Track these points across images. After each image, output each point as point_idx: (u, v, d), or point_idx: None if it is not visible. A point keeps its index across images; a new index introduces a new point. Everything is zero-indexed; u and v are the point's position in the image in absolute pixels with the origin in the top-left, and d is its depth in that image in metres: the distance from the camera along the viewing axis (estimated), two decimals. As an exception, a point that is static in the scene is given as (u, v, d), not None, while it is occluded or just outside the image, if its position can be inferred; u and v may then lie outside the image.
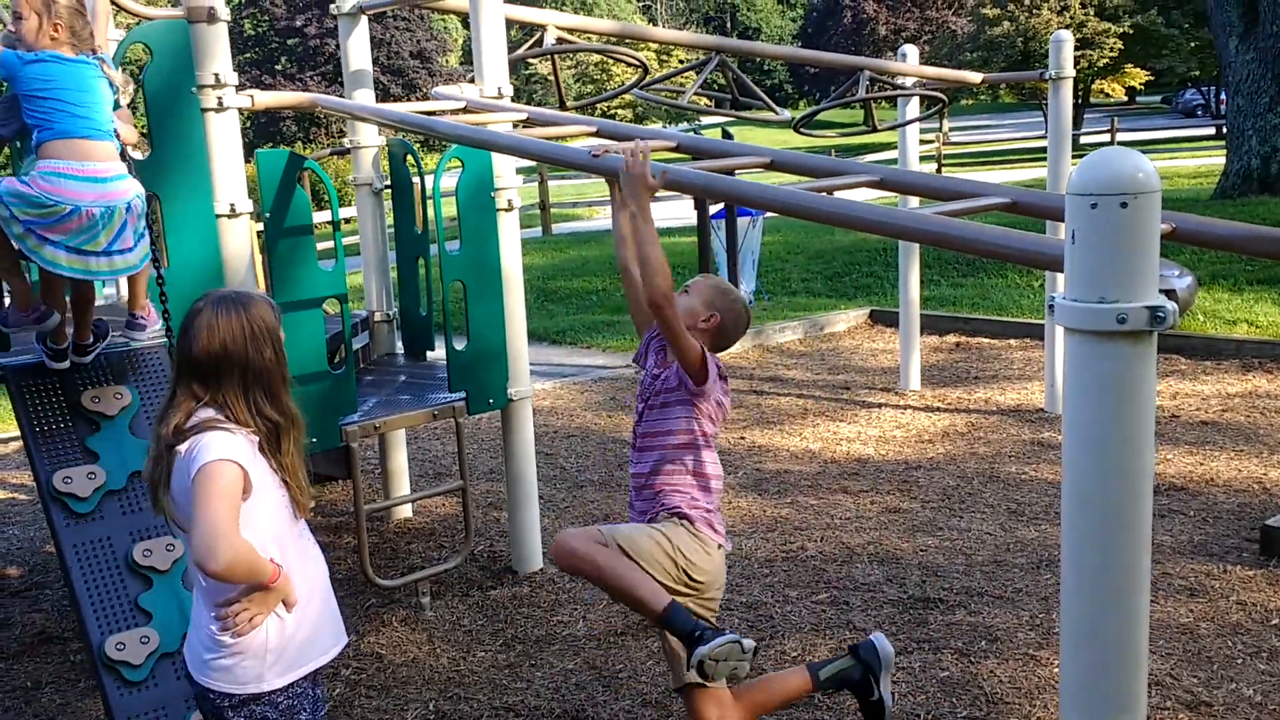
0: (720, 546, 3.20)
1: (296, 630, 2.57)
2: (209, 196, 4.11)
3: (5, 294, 4.17)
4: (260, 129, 43.92)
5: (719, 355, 3.29)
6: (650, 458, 3.21)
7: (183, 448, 2.45)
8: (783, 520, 5.72)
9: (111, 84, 3.95)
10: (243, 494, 2.44)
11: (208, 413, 2.49)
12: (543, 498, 5.90)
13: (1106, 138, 28.81)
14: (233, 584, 2.45)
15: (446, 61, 51.95)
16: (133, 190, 3.95)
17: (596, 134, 4.28)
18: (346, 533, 5.94)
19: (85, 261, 3.85)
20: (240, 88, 4.09)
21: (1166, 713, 3.72)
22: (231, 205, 4.10)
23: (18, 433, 8.18)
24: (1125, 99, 46.16)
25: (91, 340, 4.20)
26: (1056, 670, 4.02)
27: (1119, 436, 1.90)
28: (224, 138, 4.06)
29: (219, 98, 4.01)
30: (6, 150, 4.19)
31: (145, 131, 4.45)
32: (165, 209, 4.39)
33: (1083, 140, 30.13)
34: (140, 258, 4.01)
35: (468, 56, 58.17)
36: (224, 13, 4.01)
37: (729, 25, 74.84)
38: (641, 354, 3.43)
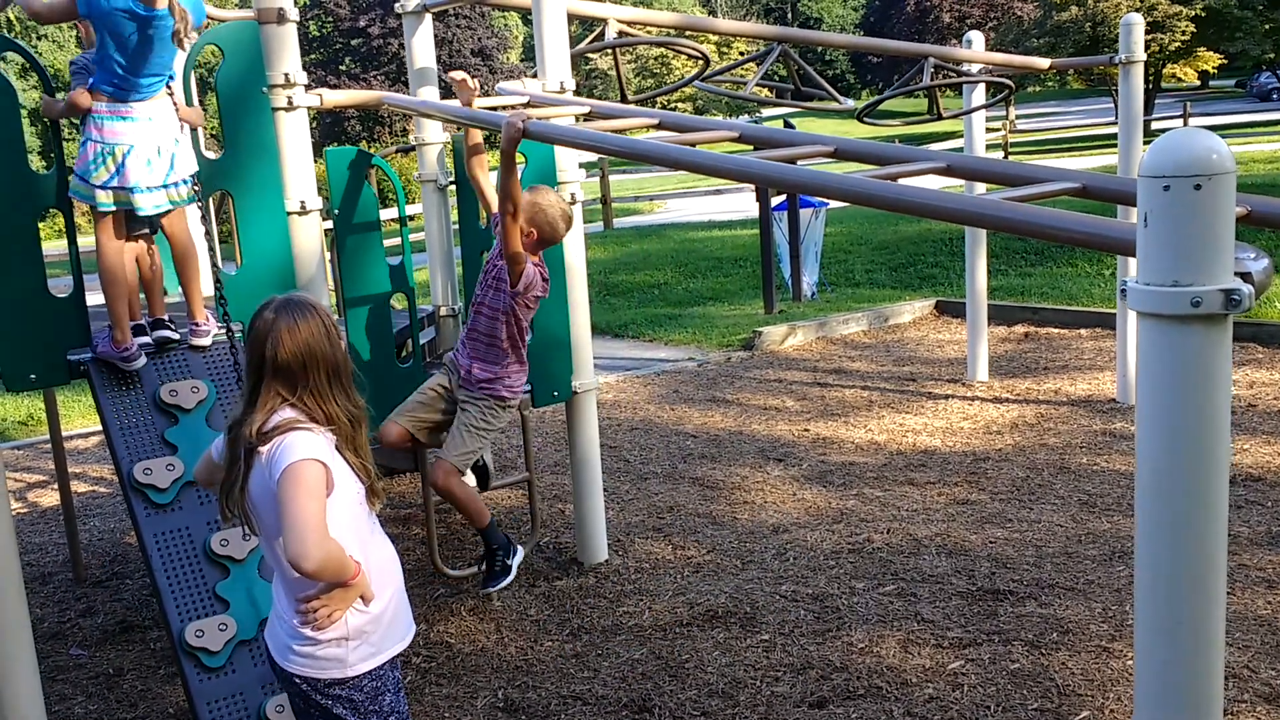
0: (516, 396, 4.50)
1: (379, 617, 2.62)
2: (280, 194, 4.20)
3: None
4: (326, 129, 44.56)
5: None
6: (480, 321, 4.34)
7: (264, 449, 2.49)
8: (848, 512, 5.70)
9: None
10: (326, 492, 2.49)
11: (287, 414, 2.54)
12: (607, 490, 5.93)
13: (1179, 123, 28.16)
14: (318, 582, 2.50)
15: (507, 59, 52.27)
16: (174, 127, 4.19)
17: (659, 126, 4.30)
18: (414, 524, 6.02)
19: (157, 197, 4.14)
20: (308, 87, 4.16)
21: (1244, 705, 3.64)
22: (302, 202, 4.18)
23: (98, 426, 8.44)
24: (1198, 83, 45.05)
25: (169, 319, 4.40)
26: (1130, 663, 3.96)
27: (1194, 423, 1.88)
28: (294, 136, 4.15)
29: (289, 97, 4.09)
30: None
31: (217, 132, 4.55)
32: (238, 206, 4.48)
33: (1154, 125, 29.50)
34: (189, 194, 4.24)
35: (528, 53, 58.45)
36: (293, 13, 4.09)
37: (789, 15, 74.32)
38: (492, 223, 4.60)
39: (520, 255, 4.14)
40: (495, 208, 4.44)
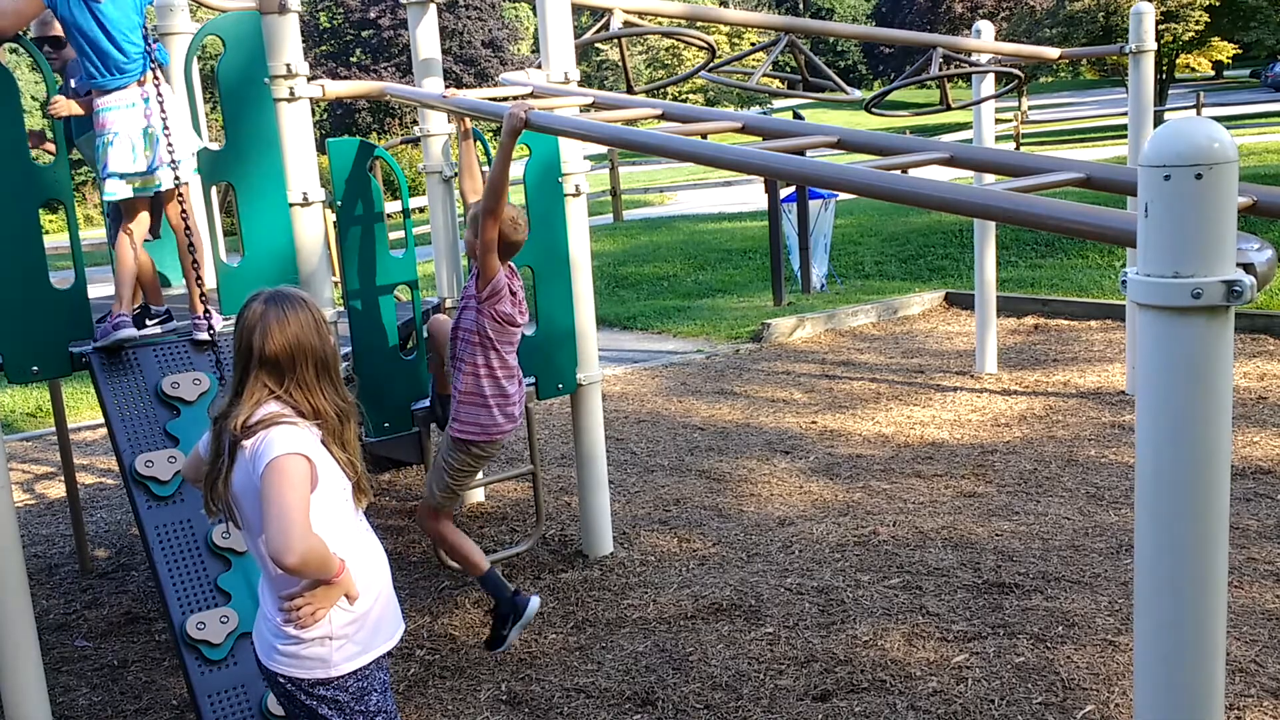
0: (496, 436, 4.22)
1: (364, 616, 2.59)
2: (283, 186, 4.19)
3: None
4: (336, 120, 44.57)
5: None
6: (456, 347, 4.17)
7: (249, 443, 2.46)
8: (855, 505, 5.67)
9: None
10: (310, 487, 2.46)
11: (273, 407, 2.50)
12: (613, 482, 5.92)
13: (1192, 113, 27.97)
14: (299, 578, 2.47)
15: (518, 50, 52.14)
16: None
17: (663, 116, 4.27)
18: (420, 516, 6.02)
19: (149, 178, 4.35)
20: (313, 78, 4.15)
21: (1250, 700, 3.62)
22: (304, 194, 4.16)
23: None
24: (1212, 73, 44.76)
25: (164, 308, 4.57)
26: (1136, 657, 3.93)
27: (1195, 415, 1.86)
28: (296, 127, 4.13)
29: (290, 88, 4.07)
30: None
31: (220, 124, 4.56)
32: (240, 198, 4.47)
33: (1167, 116, 29.30)
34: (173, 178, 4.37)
35: (539, 45, 58.34)
36: (295, 4, 4.07)
37: (800, 6, 74.02)
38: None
39: (492, 254, 4.00)
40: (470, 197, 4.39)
